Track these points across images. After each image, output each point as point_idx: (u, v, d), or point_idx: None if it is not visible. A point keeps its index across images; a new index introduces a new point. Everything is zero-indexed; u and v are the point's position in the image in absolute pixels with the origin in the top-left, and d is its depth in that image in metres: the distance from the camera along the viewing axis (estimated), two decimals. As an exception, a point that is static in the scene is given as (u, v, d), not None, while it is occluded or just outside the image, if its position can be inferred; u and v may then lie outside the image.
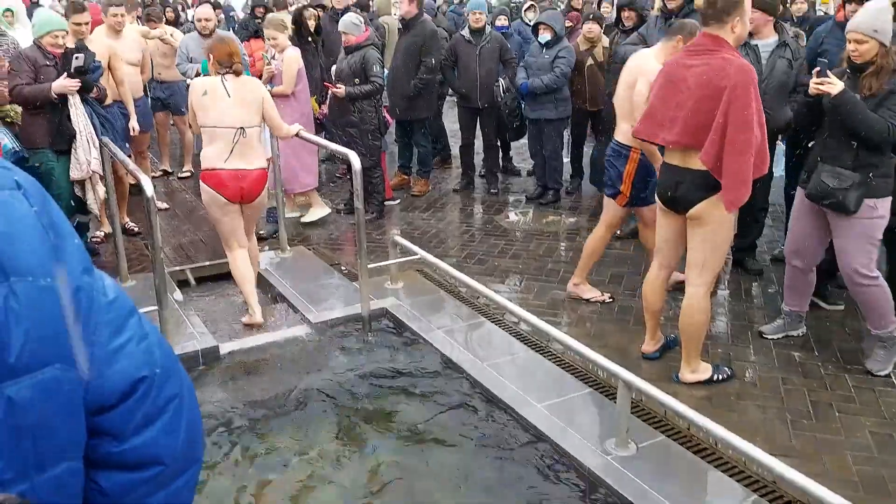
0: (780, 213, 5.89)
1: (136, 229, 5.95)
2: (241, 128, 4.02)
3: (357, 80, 5.94)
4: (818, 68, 3.72)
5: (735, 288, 4.85)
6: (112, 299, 0.86)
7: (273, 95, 5.67)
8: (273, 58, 5.97)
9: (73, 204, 5.09)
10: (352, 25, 6.03)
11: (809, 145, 3.94)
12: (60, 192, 4.98)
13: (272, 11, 8.24)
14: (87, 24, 5.55)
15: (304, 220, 6.25)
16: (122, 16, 6.20)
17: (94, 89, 5.16)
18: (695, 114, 3.28)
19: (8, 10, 8.11)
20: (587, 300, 4.63)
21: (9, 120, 5.56)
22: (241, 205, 4.17)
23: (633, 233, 5.40)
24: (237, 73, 4.08)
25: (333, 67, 6.53)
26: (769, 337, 4.10)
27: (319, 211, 6.27)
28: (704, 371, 3.66)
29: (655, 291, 3.81)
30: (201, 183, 4.10)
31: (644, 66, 4.08)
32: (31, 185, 0.79)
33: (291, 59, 5.89)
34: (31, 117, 5.03)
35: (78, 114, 4.93)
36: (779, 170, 5.34)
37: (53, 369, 0.76)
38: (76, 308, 0.79)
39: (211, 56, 4.12)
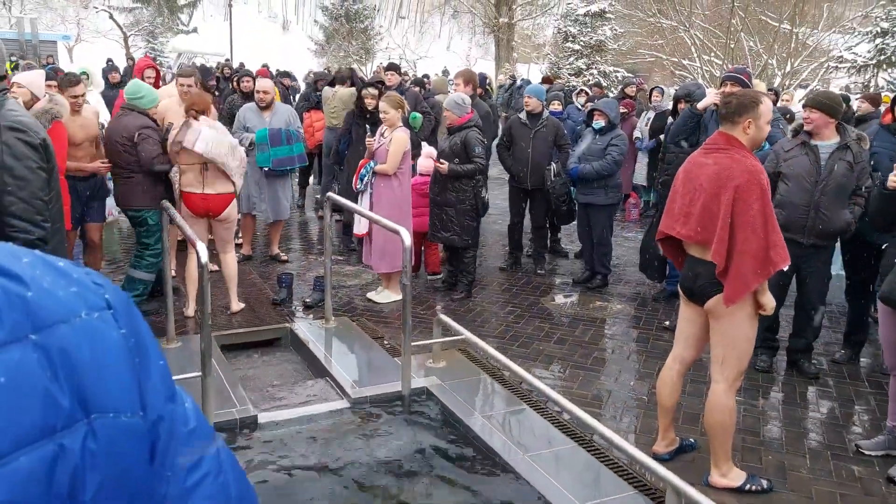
0: (839, 315, 5.71)
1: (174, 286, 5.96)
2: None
3: (457, 160, 5.98)
4: None
5: (789, 392, 4.66)
6: (192, 429, 0.79)
7: (375, 172, 5.84)
8: (382, 134, 5.99)
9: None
10: (455, 105, 6.05)
11: (883, 248, 3.83)
12: (160, 247, 5.24)
13: (333, 85, 8.54)
14: (82, 95, 5.67)
15: (371, 296, 6.16)
16: (191, 86, 6.39)
17: None
18: (705, 210, 3.30)
19: (84, 72, 8.57)
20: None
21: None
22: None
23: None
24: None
25: (419, 159, 6.68)
26: (868, 454, 3.86)
27: (392, 295, 6.08)
28: (736, 477, 3.48)
29: (668, 386, 3.67)
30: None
31: None
32: (121, 301, 0.74)
33: (400, 140, 5.83)
34: (132, 180, 5.32)
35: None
36: (836, 268, 5.21)
37: None
38: (154, 441, 0.73)
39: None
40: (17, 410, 0.62)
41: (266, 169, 6.79)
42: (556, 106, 7.97)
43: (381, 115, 5.93)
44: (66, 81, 5.64)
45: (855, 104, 8.43)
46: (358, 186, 6.02)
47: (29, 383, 0.63)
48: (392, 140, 5.82)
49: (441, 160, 6.05)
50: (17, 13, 33.17)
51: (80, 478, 0.66)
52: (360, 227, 6.12)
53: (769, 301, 3.33)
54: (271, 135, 6.73)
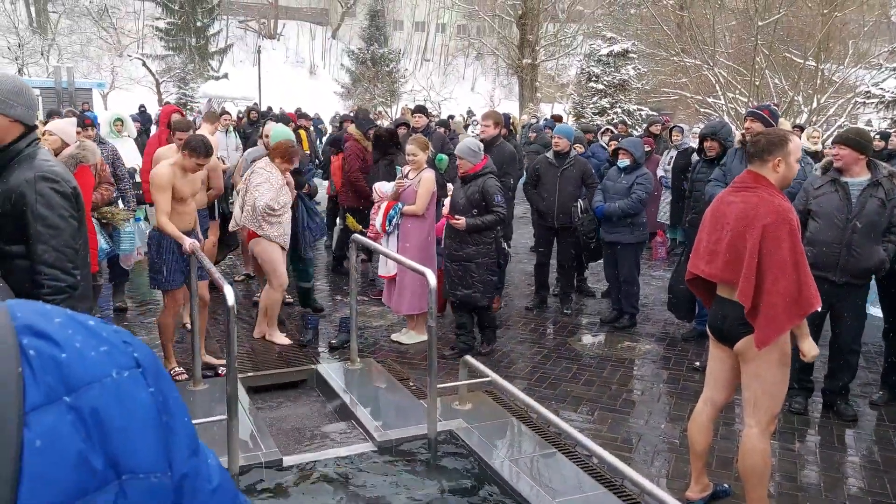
0: (876, 355, 5.56)
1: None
2: None
3: (475, 211, 5.58)
4: None
5: (826, 435, 4.52)
6: (216, 486, 0.78)
7: (404, 214, 5.89)
8: (406, 175, 6.04)
9: None
10: (469, 152, 5.63)
11: None
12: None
13: (392, 130, 8.66)
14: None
15: (397, 337, 6.14)
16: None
17: (306, 186, 6.53)
18: (731, 249, 3.25)
19: (118, 119, 8.80)
20: None
21: (104, 221, 5.90)
22: None
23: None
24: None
25: (446, 200, 6.41)
26: None
27: (418, 336, 6.05)
28: None
29: (700, 430, 3.58)
30: None
31: None
32: (149, 359, 0.74)
33: (428, 181, 5.85)
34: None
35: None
36: (871, 308, 5.10)
37: None
38: (178, 499, 0.73)
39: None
40: (51, 473, 0.63)
41: None
42: (579, 149, 7.96)
43: (409, 158, 5.97)
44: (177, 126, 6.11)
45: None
46: (387, 228, 6.04)
47: (63, 446, 0.63)
48: (421, 181, 5.86)
49: (456, 216, 5.64)
50: (54, 62, 34.30)
51: None
52: (386, 268, 6.14)
53: (810, 348, 3.26)
54: None
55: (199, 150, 4.97)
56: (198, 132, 7.50)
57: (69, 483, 0.63)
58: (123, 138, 8.45)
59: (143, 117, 17.71)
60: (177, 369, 5.17)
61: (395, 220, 6.00)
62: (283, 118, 9.89)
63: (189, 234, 5.16)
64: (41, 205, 2.45)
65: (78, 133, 5.72)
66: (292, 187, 6.00)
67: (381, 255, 6.04)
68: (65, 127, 5.21)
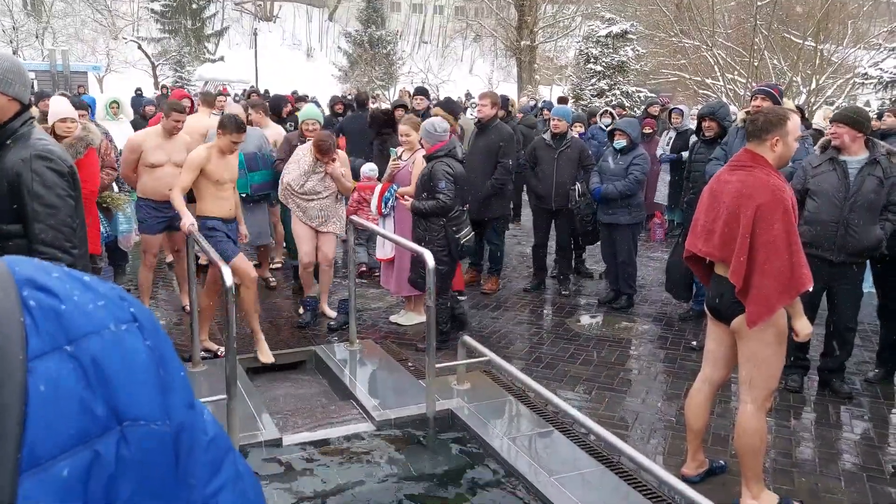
0: (871, 333, 5.59)
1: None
2: None
3: (425, 195, 5.42)
4: None
5: (822, 412, 4.56)
6: (212, 437, 0.81)
7: (399, 196, 5.83)
8: (400, 156, 5.98)
9: None
10: (424, 132, 5.53)
11: None
12: None
13: (352, 108, 8.63)
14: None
15: (395, 318, 6.15)
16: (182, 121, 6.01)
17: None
18: (727, 228, 3.26)
19: (114, 101, 8.76)
20: None
21: (104, 206, 5.90)
22: None
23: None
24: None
25: None
26: None
27: (416, 317, 6.05)
28: (768, 500, 3.39)
29: (697, 407, 3.61)
30: None
31: None
32: (145, 315, 0.76)
33: (423, 162, 5.71)
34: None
35: None
36: (867, 286, 5.11)
37: None
38: (178, 449, 0.75)
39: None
40: (55, 418, 0.64)
41: (244, 195, 6.37)
42: (578, 128, 7.94)
43: (402, 139, 5.93)
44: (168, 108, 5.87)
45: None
46: (383, 211, 6.02)
47: (65, 392, 0.65)
48: (415, 162, 5.82)
49: (406, 196, 5.63)
50: (49, 45, 34.07)
51: (115, 486, 0.67)
52: (384, 251, 6.13)
53: (804, 327, 3.27)
54: (247, 160, 6.37)
55: (229, 125, 4.87)
56: (195, 115, 7.49)
57: (72, 428, 0.65)
58: (119, 121, 8.41)
59: (138, 101, 17.60)
60: (213, 347, 5.25)
61: (390, 202, 5.98)
62: (276, 101, 9.77)
63: (229, 222, 5.07)
64: (37, 184, 2.45)
65: (82, 116, 5.71)
66: (338, 180, 5.77)
67: (377, 238, 6.03)
68: (64, 107, 5.21)
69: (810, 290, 3.29)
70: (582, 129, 7.99)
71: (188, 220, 4.75)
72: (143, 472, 0.69)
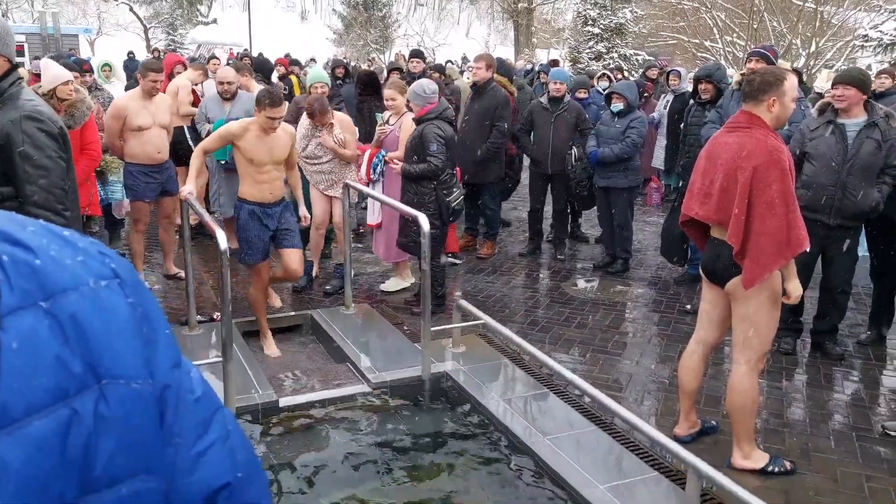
0: (864, 296, 5.62)
1: (181, 275, 5.94)
2: None
3: (415, 158, 5.35)
4: None
5: (814, 374, 4.60)
6: (199, 396, 0.80)
7: (388, 161, 5.71)
8: (387, 121, 5.89)
9: None
10: (413, 95, 5.42)
11: None
12: None
13: (351, 73, 8.54)
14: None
15: (382, 287, 6.12)
16: (160, 82, 5.93)
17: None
18: (723, 191, 3.25)
19: (106, 64, 8.66)
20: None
21: (98, 169, 5.86)
22: None
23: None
24: None
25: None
26: (895, 434, 3.81)
27: (401, 282, 6.08)
28: (759, 459, 3.45)
29: (690, 369, 3.64)
30: None
31: None
32: (127, 271, 0.74)
33: (410, 126, 5.61)
34: None
35: None
36: (862, 250, 5.13)
37: (137, 481, 0.70)
38: (163, 408, 0.73)
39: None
40: (29, 375, 0.63)
41: (223, 162, 6.38)
42: (582, 93, 7.86)
43: (388, 103, 5.80)
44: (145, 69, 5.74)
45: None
46: (372, 177, 5.95)
47: (41, 349, 0.64)
48: (402, 127, 5.73)
49: (396, 160, 5.52)
50: (39, 7, 33.50)
51: (94, 445, 0.66)
52: (373, 216, 6.07)
53: (795, 288, 3.28)
54: None
55: (264, 99, 4.29)
56: (180, 76, 7.40)
57: (48, 385, 0.63)
58: (112, 84, 8.32)
59: (132, 64, 17.39)
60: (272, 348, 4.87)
61: (378, 167, 5.92)
62: (260, 62, 9.60)
63: (268, 207, 4.56)
64: (28, 145, 2.43)
65: (76, 78, 5.64)
66: (332, 149, 5.64)
67: (368, 203, 5.99)
68: (64, 70, 5.15)
69: (807, 250, 3.30)
70: (585, 95, 7.91)
71: (186, 189, 4.50)
72: (124, 431, 0.68)
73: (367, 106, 7.30)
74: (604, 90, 9.26)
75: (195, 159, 4.57)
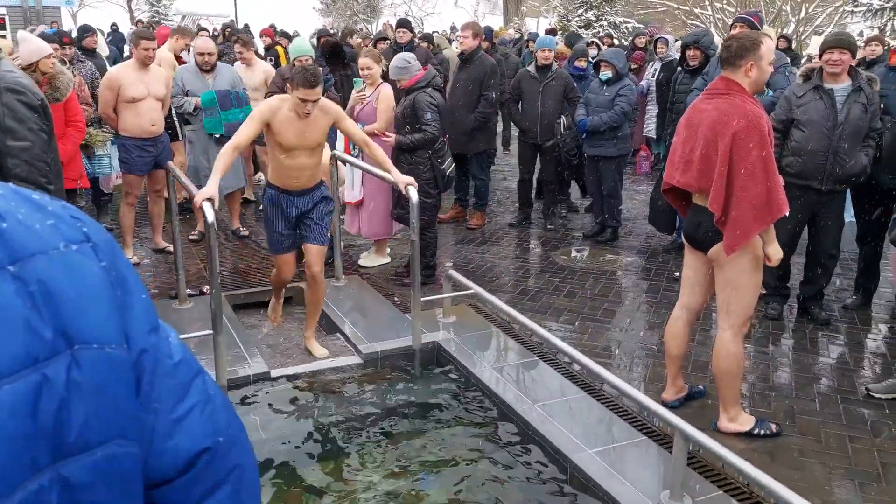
0: (850, 261, 5.66)
1: (170, 249, 5.88)
2: None
3: (408, 128, 5.30)
4: None
5: (800, 339, 4.65)
6: (178, 361, 0.79)
7: (368, 133, 5.51)
8: (363, 90, 5.71)
9: None
10: (396, 70, 5.34)
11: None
12: None
13: (337, 42, 8.41)
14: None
15: (361, 262, 6.07)
16: (154, 49, 5.82)
17: None
18: (704, 158, 3.26)
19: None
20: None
21: (83, 143, 5.80)
22: None
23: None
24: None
25: None
26: (878, 397, 3.86)
27: (380, 258, 6.06)
28: (745, 422, 3.50)
29: (675, 335, 3.68)
30: None
31: None
32: (100, 235, 0.72)
33: (387, 97, 5.51)
34: None
35: None
36: (848, 216, 5.16)
37: (113, 446, 0.69)
38: (140, 374, 0.72)
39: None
40: None
41: (217, 136, 6.15)
42: (581, 63, 7.80)
43: (364, 72, 5.61)
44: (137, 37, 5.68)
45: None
46: (351, 152, 5.83)
47: (8, 314, 0.63)
48: (379, 97, 5.57)
49: (387, 133, 5.39)
50: (19, -20, 32.79)
51: (66, 410, 0.65)
52: (352, 194, 5.86)
53: (776, 252, 3.31)
54: (220, 98, 6.08)
55: (297, 77, 3.72)
56: (162, 48, 7.28)
57: (17, 351, 0.63)
58: (96, 57, 8.19)
59: (115, 36, 17.10)
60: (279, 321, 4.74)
61: None
62: (334, 48, 9.36)
63: (296, 195, 4.05)
64: (9, 118, 2.40)
65: (56, 51, 5.55)
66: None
67: (347, 179, 5.89)
68: (45, 44, 5.06)
69: (787, 215, 3.32)
70: (584, 64, 7.85)
71: (202, 196, 3.59)
72: (98, 397, 0.67)
73: (338, 78, 7.07)
74: (592, 58, 9.22)
75: (225, 158, 3.76)
